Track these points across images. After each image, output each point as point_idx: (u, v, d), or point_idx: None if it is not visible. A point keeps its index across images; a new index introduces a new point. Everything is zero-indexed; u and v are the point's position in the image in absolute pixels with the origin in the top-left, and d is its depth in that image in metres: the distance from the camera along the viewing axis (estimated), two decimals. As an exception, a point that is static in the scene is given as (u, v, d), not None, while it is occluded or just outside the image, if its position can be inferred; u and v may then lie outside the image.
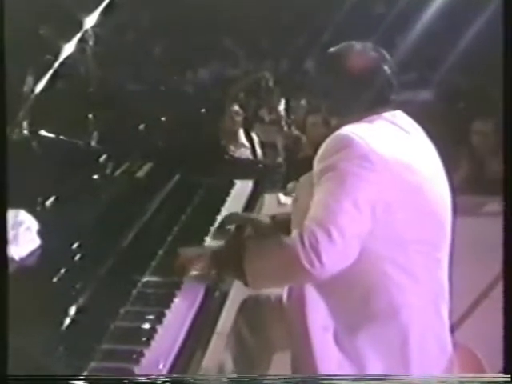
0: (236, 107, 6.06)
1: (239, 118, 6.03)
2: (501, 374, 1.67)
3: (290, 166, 5.08)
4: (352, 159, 1.80)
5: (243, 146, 6.03)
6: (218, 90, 6.59)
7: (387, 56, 2.03)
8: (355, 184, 1.78)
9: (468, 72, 7.16)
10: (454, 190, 1.98)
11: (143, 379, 1.62)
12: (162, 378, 1.63)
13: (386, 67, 2.01)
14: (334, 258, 1.75)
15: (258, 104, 6.72)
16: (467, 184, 5.55)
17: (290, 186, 4.53)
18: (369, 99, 1.98)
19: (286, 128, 5.98)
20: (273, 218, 2.41)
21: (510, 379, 1.65)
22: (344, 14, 7.31)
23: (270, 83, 6.68)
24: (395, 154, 1.84)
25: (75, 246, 1.70)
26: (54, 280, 1.57)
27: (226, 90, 6.53)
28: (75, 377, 1.59)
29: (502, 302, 1.75)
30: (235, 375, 2.14)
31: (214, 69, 7.91)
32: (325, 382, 1.85)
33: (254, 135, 6.20)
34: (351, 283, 1.85)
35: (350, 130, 1.88)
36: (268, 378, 2.20)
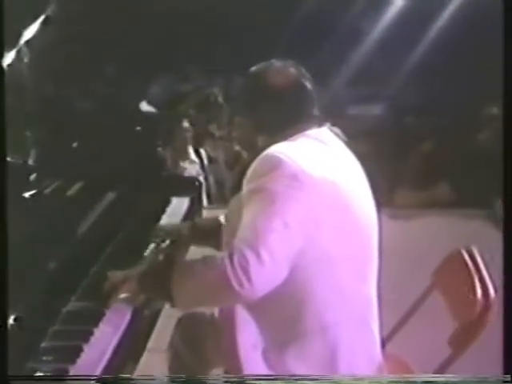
0: (186, 124, 6.08)
1: (189, 134, 6.05)
2: (501, 374, 1.68)
3: (231, 181, 5.15)
4: (281, 180, 1.81)
5: (193, 162, 6.05)
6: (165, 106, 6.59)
7: (307, 73, 2.06)
8: (285, 204, 1.78)
9: (418, 87, 7.29)
10: (379, 204, 2.02)
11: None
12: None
13: (306, 83, 2.04)
14: (264, 278, 1.74)
15: (208, 120, 6.75)
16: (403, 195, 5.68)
17: (232, 201, 4.54)
18: (291, 116, 2.00)
19: (227, 144, 6.03)
20: (193, 226, 2.44)
21: (510, 379, 1.66)
22: (295, 29, 7.40)
23: (219, 99, 6.73)
24: (322, 172, 1.86)
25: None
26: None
27: (174, 105, 6.55)
28: (76, 377, 1.60)
29: (503, 301, 1.78)
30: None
31: (164, 84, 7.89)
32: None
33: (202, 151, 6.24)
34: (280, 302, 1.85)
35: (277, 150, 1.89)
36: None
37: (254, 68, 2.10)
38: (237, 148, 5.89)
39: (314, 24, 7.39)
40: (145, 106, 3.76)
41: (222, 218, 2.35)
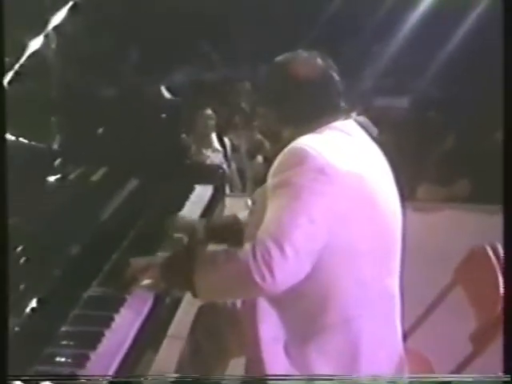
0: (209, 111, 6.07)
1: (212, 122, 6.04)
2: (501, 374, 1.67)
3: (252, 170, 5.15)
4: (307, 173, 1.79)
5: (216, 150, 6.04)
6: (189, 95, 6.59)
7: (333, 64, 2.04)
8: (310, 199, 1.77)
9: (443, 82, 7.23)
10: (404, 199, 2.00)
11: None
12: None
13: (333, 74, 2.02)
14: (287, 273, 1.73)
15: (231, 108, 6.74)
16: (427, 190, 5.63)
17: (257, 192, 4.52)
18: (317, 107, 1.98)
19: (249, 133, 6.01)
20: (208, 226, 2.41)
21: (509, 379, 1.65)
22: (324, 20, 7.36)
23: (246, 88, 6.72)
24: (348, 165, 1.84)
25: (19, 249, 1.69)
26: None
27: (199, 93, 6.55)
28: (76, 377, 1.60)
29: (503, 302, 1.76)
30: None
31: (189, 72, 7.90)
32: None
33: (226, 140, 6.22)
34: (303, 295, 1.84)
35: (303, 142, 1.86)
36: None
37: (279, 58, 2.07)
38: (259, 137, 5.89)
39: (341, 16, 7.36)
40: (164, 92, 3.76)
41: (242, 213, 2.34)
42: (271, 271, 1.70)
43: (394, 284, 1.98)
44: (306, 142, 1.87)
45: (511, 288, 1.70)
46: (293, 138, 1.90)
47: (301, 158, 1.82)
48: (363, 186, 1.86)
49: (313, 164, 1.80)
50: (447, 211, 4.89)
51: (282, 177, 1.82)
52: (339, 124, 1.97)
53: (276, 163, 1.88)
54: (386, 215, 1.93)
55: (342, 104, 2.02)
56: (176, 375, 1.74)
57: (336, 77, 2.02)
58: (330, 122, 1.96)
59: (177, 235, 2.36)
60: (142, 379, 1.78)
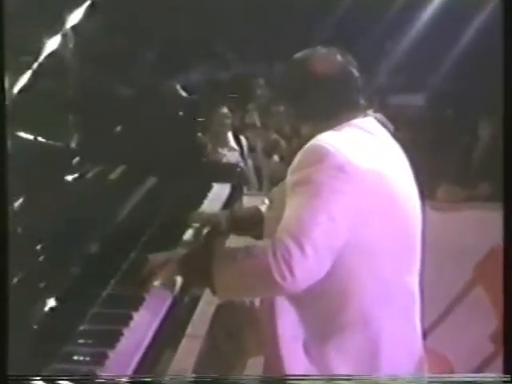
0: (225, 110, 6.06)
1: (228, 121, 6.03)
2: (501, 374, 1.66)
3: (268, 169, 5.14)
4: (327, 171, 1.78)
5: (232, 149, 6.03)
6: (205, 94, 6.59)
7: (353, 60, 2.02)
8: (330, 197, 1.76)
9: (459, 79, 7.18)
10: (423, 196, 1.98)
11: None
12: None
13: (353, 71, 2.00)
14: (307, 272, 1.73)
15: (247, 107, 6.73)
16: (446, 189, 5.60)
17: (275, 189, 4.51)
18: (337, 104, 1.97)
19: (265, 131, 6.00)
20: (231, 215, 2.40)
21: (510, 379, 1.64)
22: (336, 18, 7.33)
23: (261, 87, 6.70)
24: (369, 163, 1.83)
25: (39, 247, 1.69)
26: (14, 281, 1.56)
27: (215, 92, 6.54)
28: (76, 377, 1.59)
29: (503, 302, 1.74)
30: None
31: (204, 71, 7.90)
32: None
33: (243, 138, 6.21)
34: (323, 293, 1.83)
35: (324, 140, 1.85)
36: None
37: (298, 55, 2.06)
38: (274, 136, 5.88)
39: (356, 13, 7.32)
40: (181, 91, 3.77)
41: (261, 207, 2.33)
42: (291, 270, 1.69)
43: (414, 282, 1.96)
44: (326, 139, 1.86)
45: (511, 286, 1.68)
46: (312, 135, 1.89)
47: (321, 155, 1.80)
48: (383, 183, 1.85)
49: (333, 162, 1.79)
50: (467, 210, 4.87)
51: (302, 174, 1.81)
52: (359, 121, 1.96)
53: (296, 160, 1.87)
54: (406, 213, 1.92)
55: (362, 101, 2.01)
56: (194, 375, 1.73)
57: (355, 73, 2.01)
58: (349, 119, 1.95)
59: (197, 226, 2.35)
60: (160, 379, 1.77)
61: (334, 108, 1.97)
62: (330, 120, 1.95)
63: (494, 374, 1.71)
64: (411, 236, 1.94)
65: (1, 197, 1.48)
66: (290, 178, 1.86)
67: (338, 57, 2.01)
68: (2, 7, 1.55)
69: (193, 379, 1.70)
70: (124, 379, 1.62)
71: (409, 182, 1.97)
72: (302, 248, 1.70)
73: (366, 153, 1.86)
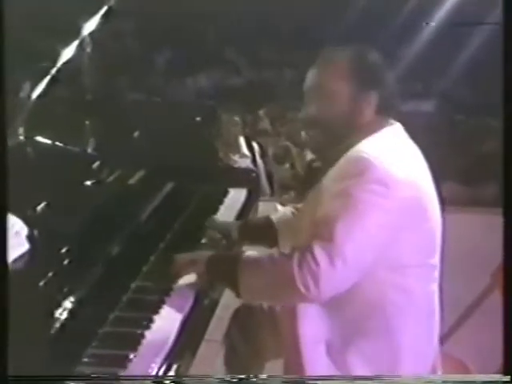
0: (235, 117, 6.06)
1: (237, 128, 6.03)
2: (501, 374, 1.66)
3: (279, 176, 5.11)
4: (367, 186, 1.76)
5: (244, 155, 6.03)
6: (217, 99, 6.61)
7: (386, 62, 2.00)
8: (367, 212, 1.74)
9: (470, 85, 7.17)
10: (443, 202, 1.97)
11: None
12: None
13: (388, 74, 1.98)
14: (332, 284, 1.73)
15: (259, 114, 6.73)
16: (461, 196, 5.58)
17: (285, 197, 4.53)
18: (373, 107, 1.94)
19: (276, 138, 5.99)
20: (243, 227, 2.38)
21: (510, 379, 1.64)
22: (347, 24, 7.34)
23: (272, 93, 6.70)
24: (405, 172, 1.81)
25: (64, 250, 1.70)
26: (41, 284, 1.57)
27: (226, 99, 6.55)
28: (76, 377, 1.61)
29: (502, 302, 1.74)
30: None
31: (215, 77, 7.92)
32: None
33: (255, 144, 6.20)
34: (347, 302, 1.84)
35: (365, 150, 1.83)
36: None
37: (328, 54, 2.01)
38: (286, 143, 5.87)
39: (367, 19, 7.33)
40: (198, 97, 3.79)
41: (272, 217, 2.33)
42: (316, 281, 1.69)
43: (435, 290, 1.97)
44: (368, 150, 1.83)
45: (511, 286, 1.68)
46: (348, 140, 1.88)
47: (362, 168, 1.78)
48: (417, 195, 1.84)
49: (374, 175, 1.77)
50: (483, 215, 4.84)
51: (342, 186, 1.79)
52: (392, 128, 1.95)
53: (337, 169, 1.86)
54: (433, 224, 1.91)
55: (396, 105, 1.99)
56: (217, 377, 1.73)
57: (390, 77, 1.98)
58: (383, 126, 1.93)
59: (215, 234, 2.36)
60: (181, 380, 1.78)
61: (371, 112, 1.93)
62: (367, 125, 1.92)
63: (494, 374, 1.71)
64: (436, 246, 1.94)
65: (1, 197, 1.49)
66: (328, 186, 1.85)
67: (370, 57, 1.97)
68: (2, 11, 1.56)
69: (217, 381, 1.69)
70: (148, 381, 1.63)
71: (433, 189, 1.95)
72: (331, 259, 1.69)
73: (401, 161, 1.84)
